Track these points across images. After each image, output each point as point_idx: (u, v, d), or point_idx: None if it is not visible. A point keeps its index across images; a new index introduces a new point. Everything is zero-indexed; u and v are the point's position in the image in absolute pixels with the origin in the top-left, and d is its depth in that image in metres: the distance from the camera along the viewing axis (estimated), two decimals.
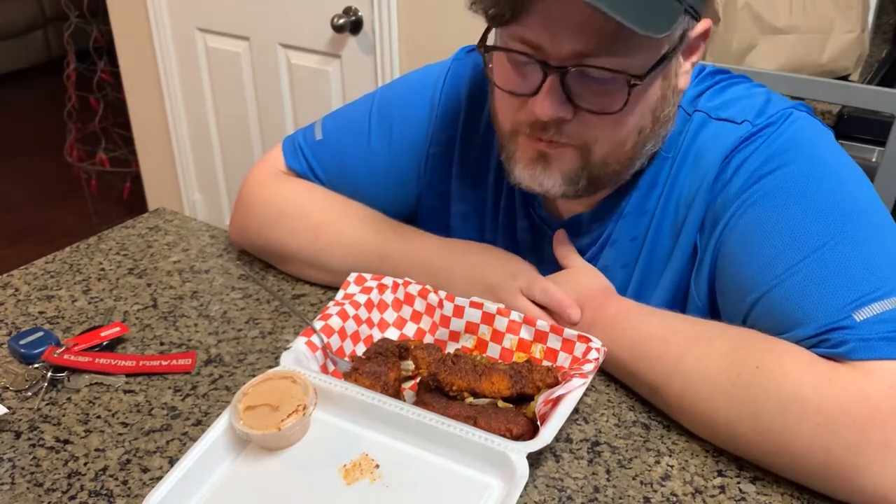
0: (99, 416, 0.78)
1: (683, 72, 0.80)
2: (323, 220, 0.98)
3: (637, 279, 0.88)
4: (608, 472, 0.71)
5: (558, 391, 0.71)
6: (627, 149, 0.79)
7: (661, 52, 0.73)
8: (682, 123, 0.85)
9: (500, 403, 0.74)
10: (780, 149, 0.79)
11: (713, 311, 0.82)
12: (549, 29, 0.70)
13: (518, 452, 0.66)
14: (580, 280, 0.87)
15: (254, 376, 0.76)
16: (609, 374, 0.82)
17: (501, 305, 0.83)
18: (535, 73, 0.74)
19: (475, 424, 0.70)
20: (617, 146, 0.78)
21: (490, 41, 0.78)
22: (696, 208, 0.82)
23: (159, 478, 0.69)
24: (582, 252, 0.90)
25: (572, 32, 0.70)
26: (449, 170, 0.99)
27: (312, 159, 1.03)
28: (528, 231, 0.95)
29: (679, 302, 0.86)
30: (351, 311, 0.84)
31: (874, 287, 0.68)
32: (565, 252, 0.90)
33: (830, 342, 0.67)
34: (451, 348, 0.85)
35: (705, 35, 0.79)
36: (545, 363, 0.80)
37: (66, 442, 0.75)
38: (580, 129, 0.76)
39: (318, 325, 0.81)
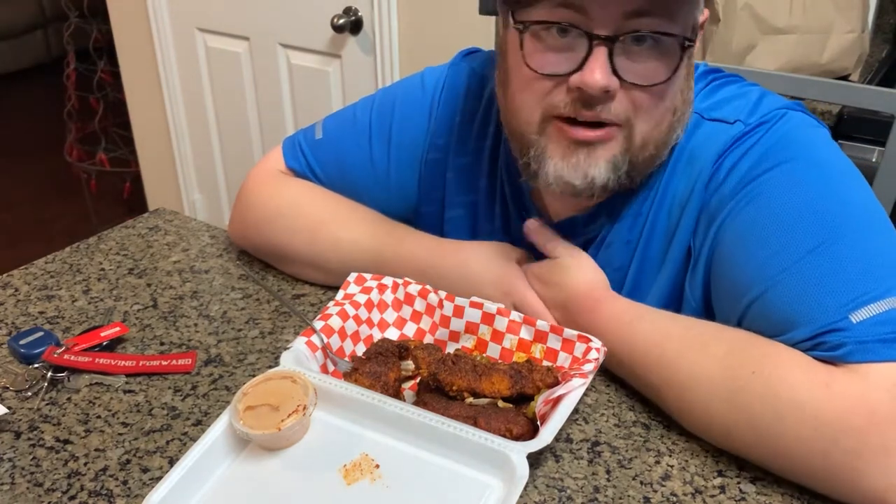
0: (99, 416, 0.78)
1: None
2: (321, 220, 0.98)
3: (630, 282, 0.88)
4: (608, 472, 0.71)
5: (558, 391, 0.71)
6: (664, 129, 0.78)
7: (697, 21, 0.72)
8: None
9: (500, 403, 0.74)
10: (774, 148, 0.78)
11: (708, 313, 0.82)
12: None
13: (518, 452, 0.66)
14: (570, 277, 0.83)
15: (254, 376, 0.76)
16: (609, 374, 0.82)
17: (501, 305, 0.83)
18: (579, 47, 0.71)
19: (475, 424, 0.70)
20: (655, 126, 0.77)
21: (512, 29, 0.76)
22: (690, 210, 0.82)
23: (159, 478, 0.69)
24: None
25: None
26: (443, 175, 0.99)
27: (312, 159, 1.03)
28: (521, 235, 0.95)
29: (674, 304, 0.85)
30: (351, 311, 0.84)
31: (870, 288, 0.67)
32: (545, 240, 0.86)
33: (827, 345, 0.66)
34: (451, 348, 0.85)
35: (702, 26, 0.78)
36: (545, 363, 0.80)
37: (66, 442, 0.75)
38: (624, 105, 0.74)
39: (318, 325, 0.81)
